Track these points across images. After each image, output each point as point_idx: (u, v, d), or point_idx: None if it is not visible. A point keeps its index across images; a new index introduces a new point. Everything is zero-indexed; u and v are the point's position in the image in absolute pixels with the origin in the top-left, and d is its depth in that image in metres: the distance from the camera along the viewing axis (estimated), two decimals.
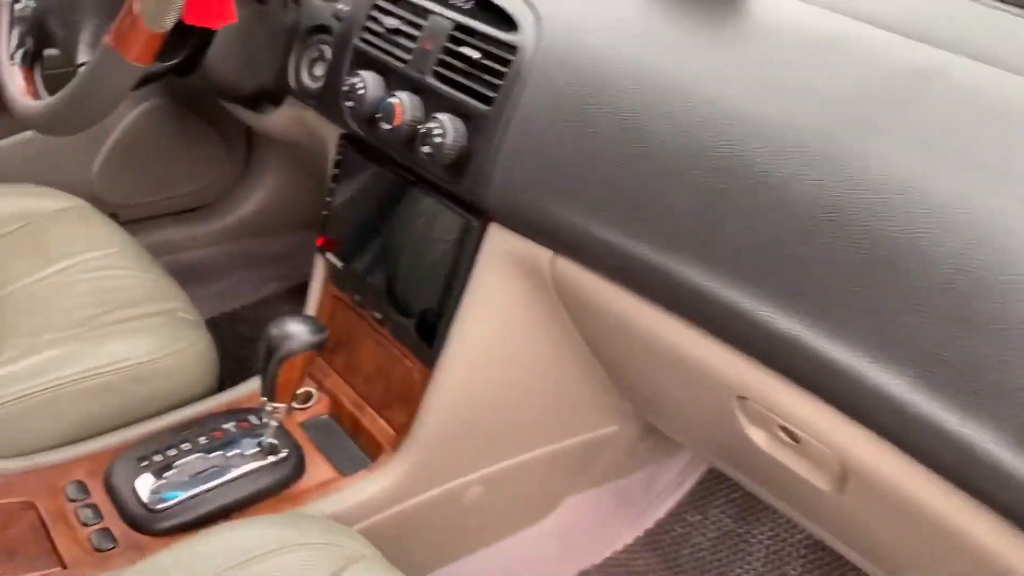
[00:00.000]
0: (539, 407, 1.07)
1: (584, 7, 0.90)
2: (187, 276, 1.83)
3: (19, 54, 1.18)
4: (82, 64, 1.05)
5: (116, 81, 0.96)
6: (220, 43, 1.12)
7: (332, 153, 1.14)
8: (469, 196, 0.93)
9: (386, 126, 0.97)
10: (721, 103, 0.74)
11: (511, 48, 0.90)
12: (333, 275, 1.15)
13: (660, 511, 1.38)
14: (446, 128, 0.92)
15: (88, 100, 0.98)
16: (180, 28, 0.96)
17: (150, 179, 1.73)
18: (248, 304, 1.87)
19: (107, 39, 0.93)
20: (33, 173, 1.55)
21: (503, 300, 0.95)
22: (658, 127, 0.77)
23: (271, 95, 1.22)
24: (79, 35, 1.06)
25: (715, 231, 0.73)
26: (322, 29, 1.13)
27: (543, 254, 0.89)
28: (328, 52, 1.13)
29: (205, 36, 1.12)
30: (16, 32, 1.19)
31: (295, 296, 1.92)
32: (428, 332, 1.01)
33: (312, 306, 1.19)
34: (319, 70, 1.15)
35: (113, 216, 1.74)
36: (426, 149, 0.93)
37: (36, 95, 1.13)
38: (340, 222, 1.12)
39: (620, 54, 0.83)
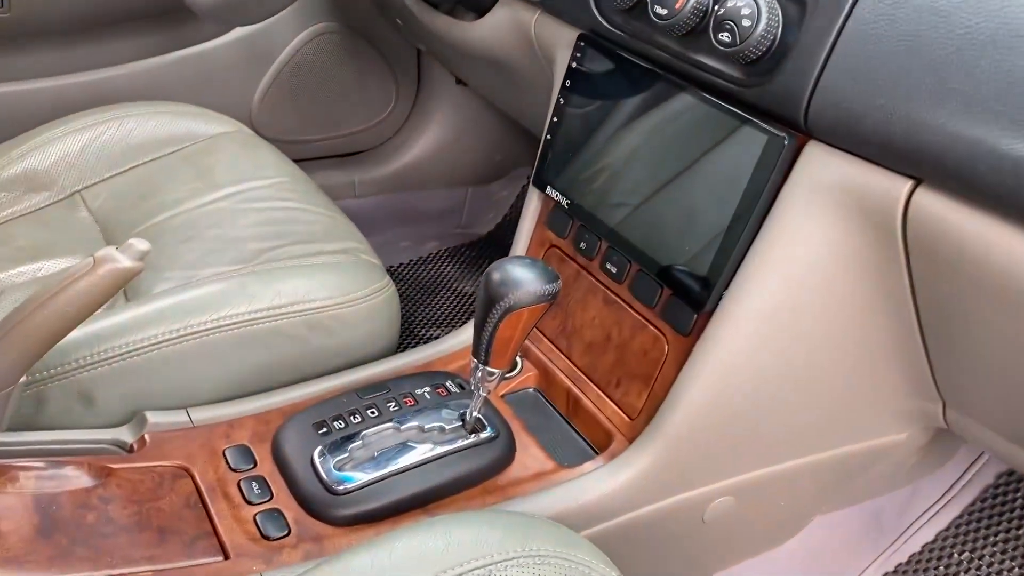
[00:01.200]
0: (825, 401, 0.81)
1: None
2: None
3: None
4: None
5: None
6: None
7: (561, 64, 0.91)
8: (780, 105, 0.68)
9: (661, 11, 0.73)
10: None
11: None
12: (550, 217, 0.92)
13: (916, 543, 1.09)
14: (758, 6, 0.67)
15: None
16: None
17: (312, 115, 1.56)
18: (405, 263, 1.67)
19: None
20: (189, 95, 1.39)
21: (814, 250, 0.70)
22: None
23: None
24: None
25: None
26: None
27: (896, 185, 0.63)
28: None
29: None
30: None
31: (456, 258, 1.71)
32: (692, 291, 0.76)
33: (519, 254, 0.96)
34: None
35: None
36: (724, 37, 0.69)
37: None
38: (567, 147, 0.89)
39: None
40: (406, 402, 0.82)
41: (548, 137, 0.91)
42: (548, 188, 0.91)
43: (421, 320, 1.51)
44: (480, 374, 0.75)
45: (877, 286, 0.71)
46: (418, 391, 0.83)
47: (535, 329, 0.88)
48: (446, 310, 1.55)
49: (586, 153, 0.87)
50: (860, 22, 0.62)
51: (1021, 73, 0.54)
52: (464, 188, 1.77)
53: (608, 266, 0.85)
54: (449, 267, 1.67)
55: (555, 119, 0.90)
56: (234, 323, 0.84)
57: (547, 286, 0.70)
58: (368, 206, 1.68)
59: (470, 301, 1.57)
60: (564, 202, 0.89)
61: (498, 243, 1.76)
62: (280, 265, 0.92)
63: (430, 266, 1.67)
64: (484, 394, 0.77)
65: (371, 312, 0.91)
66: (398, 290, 1.59)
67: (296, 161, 1.60)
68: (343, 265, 0.94)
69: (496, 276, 0.70)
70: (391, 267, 1.64)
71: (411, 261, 1.67)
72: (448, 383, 0.85)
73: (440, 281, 1.63)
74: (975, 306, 0.65)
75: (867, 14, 0.62)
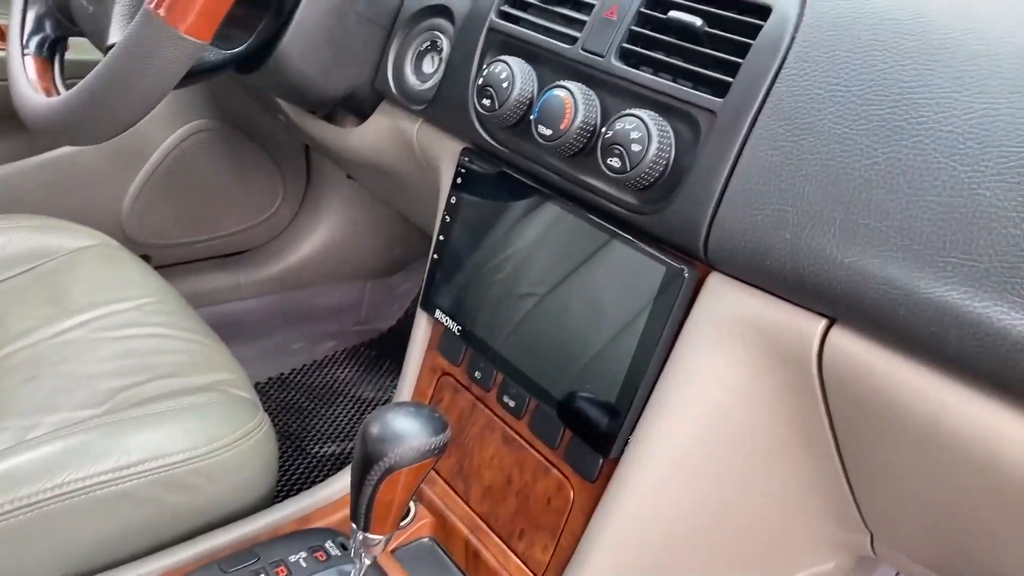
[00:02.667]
0: (746, 543, 0.74)
1: None
2: (226, 332, 1.52)
3: (34, 42, 0.90)
4: (112, 46, 0.76)
5: (160, 62, 0.67)
6: (298, 28, 0.83)
7: (446, 176, 0.84)
8: (676, 235, 0.62)
9: (546, 131, 0.67)
10: None
11: (759, 10, 0.59)
12: (441, 342, 0.84)
13: None
14: (648, 130, 0.61)
15: (121, 90, 0.69)
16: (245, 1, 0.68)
17: (191, 216, 1.44)
18: (298, 368, 1.55)
19: (150, 3, 0.65)
20: (49, 204, 1.26)
21: (723, 389, 0.63)
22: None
23: (359, 102, 0.93)
24: (111, 7, 0.78)
25: None
26: (437, 11, 0.84)
27: (808, 324, 0.57)
28: (443, 42, 0.83)
29: (280, 16, 0.83)
30: (32, 15, 0.91)
31: (355, 359, 1.61)
32: (596, 430, 0.69)
33: (407, 385, 0.87)
34: (429, 66, 0.85)
35: (144, 259, 1.46)
36: (613, 162, 0.63)
37: (51, 92, 0.84)
38: (456, 269, 0.81)
39: (929, 8, 0.53)
40: (278, 573, 0.71)
41: (435, 256, 0.83)
42: (437, 312, 0.83)
43: (315, 435, 1.39)
44: (361, 539, 0.65)
45: (795, 425, 0.65)
46: (292, 558, 0.73)
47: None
48: (343, 421, 1.44)
49: (476, 276, 0.79)
50: (759, 149, 0.57)
51: (932, 209, 0.49)
52: (362, 282, 1.67)
53: (506, 399, 0.77)
54: (347, 370, 1.57)
55: (441, 237, 0.83)
56: (74, 490, 0.72)
57: (433, 439, 0.61)
58: (256, 308, 1.57)
59: (371, 409, 1.47)
60: (455, 328, 0.81)
61: (401, 339, 1.66)
62: (133, 413, 0.80)
63: (326, 370, 1.56)
64: (368, 562, 0.67)
65: (240, 460, 0.80)
66: (292, 400, 1.48)
67: (175, 265, 1.50)
68: (208, 406, 0.83)
69: (374, 430, 0.61)
70: (282, 374, 1.53)
71: (304, 366, 1.56)
72: (328, 544, 0.75)
73: (337, 387, 1.52)
74: (896, 449, 0.60)
75: (767, 141, 0.57)
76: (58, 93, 0.84)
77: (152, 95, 0.70)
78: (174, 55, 0.66)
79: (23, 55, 0.88)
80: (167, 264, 1.47)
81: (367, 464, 0.61)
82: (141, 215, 1.38)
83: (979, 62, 0.50)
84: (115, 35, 0.76)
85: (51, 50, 0.90)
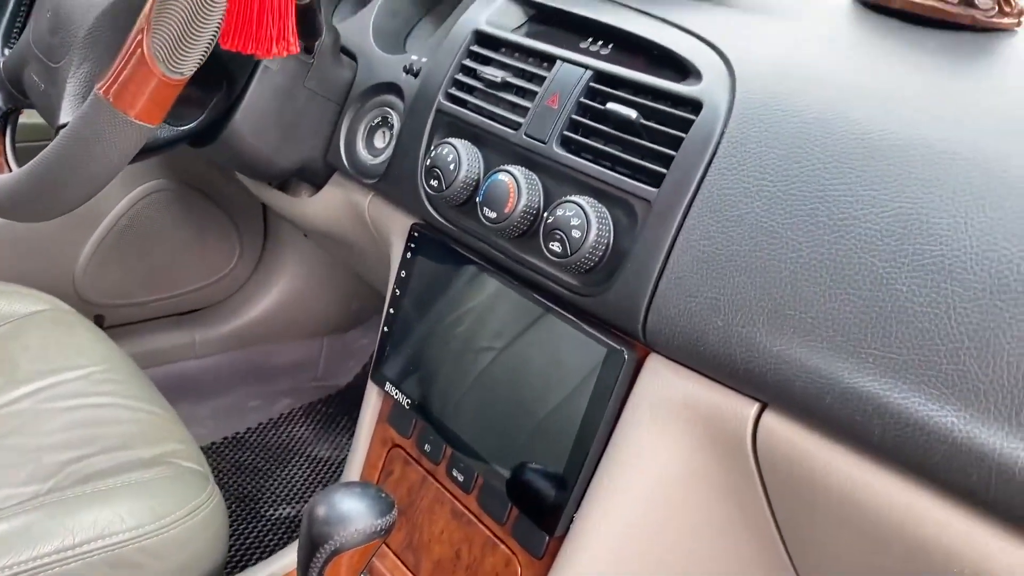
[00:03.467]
0: None
1: (779, 48, 0.63)
2: (181, 391, 1.52)
3: None
4: (63, 126, 0.77)
5: (110, 147, 0.67)
6: (251, 104, 0.84)
7: (396, 250, 0.85)
8: (616, 317, 0.64)
9: (490, 213, 0.69)
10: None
11: (692, 105, 0.62)
12: (391, 414, 0.85)
13: None
14: (587, 216, 0.63)
15: (69, 173, 0.69)
16: (200, 78, 0.69)
17: (146, 276, 1.44)
18: (253, 427, 1.54)
19: (100, 88, 0.65)
20: (1, 265, 1.25)
21: (664, 468, 0.64)
22: (932, 197, 0.49)
23: (312, 173, 0.94)
24: (64, 87, 0.78)
25: None
26: (387, 88, 0.86)
27: (742, 407, 0.59)
28: (394, 118, 0.85)
29: (229, 93, 0.84)
30: None
31: (312, 416, 1.60)
32: (541, 508, 0.70)
33: (358, 457, 0.87)
34: (380, 141, 0.87)
35: (98, 319, 1.44)
36: (555, 247, 0.64)
37: (2, 167, 0.84)
38: (406, 342, 0.82)
39: (850, 108, 0.56)
40: None
41: (385, 329, 0.84)
42: (387, 384, 0.83)
43: (269, 497, 1.38)
44: None
45: (736, 505, 0.66)
46: None
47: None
48: (298, 482, 1.42)
49: (426, 350, 0.80)
50: (692, 238, 0.59)
51: (853, 302, 0.52)
52: (319, 338, 1.67)
53: (455, 473, 0.78)
54: (304, 428, 1.56)
55: (391, 310, 0.84)
56: (16, 574, 0.71)
57: (379, 521, 0.61)
58: (211, 366, 1.56)
59: (327, 469, 1.46)
60: (405, 401, 0.82)
61: (358, 395, 1.65)
62: (79, 491, 0.79)
63: (282, 429, 1.55)
64: None
65: (189, 535, 0.80)
66: (245, 461, 1.47)
67: (129, 324, 1.48)
68: (156, 482, 0.83)
69: (320, 512, 0.61)
70: (237, 433, 1.51)
71: (260, 425, 1.55)
72: None
73: (293, 446, 1.51)
74: (831, 529, 0.61)
75: (699, 231, 0.59)
76: (8, 167, 0.85)
77: (101, 178, 0.70)
78: (123, 139, 0.67)
79: None
80: (121, 324, 1.46)
81: (313, 546, 0.61)
82: (95, 275, 1.38)
83: (894, 162, 0.53)
84: (66, 115, 0.77)
85: (2, 122, 0.91)
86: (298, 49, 0.53)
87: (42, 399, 0.95)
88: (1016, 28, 0.64)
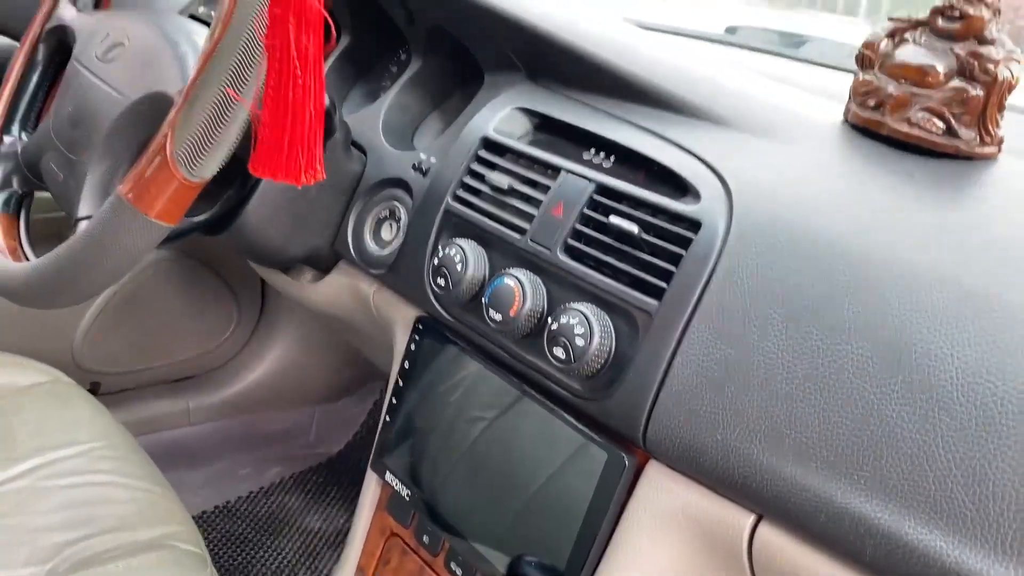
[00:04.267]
0: None
1: (774, 171, 0.67)
2: (174, 458, 1.52)
3: (1, 198, 0.93)
4: (83, 219, 0.79)
5: (129, 245, 0.70)
6: (262, 197, 0.87)
7: (400, 340, 0.87)
8: (618, 423, 0.66)
9: (496, 315, 0.71)
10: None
11: (691, 223, 0.65)
12: (390, 503, 0.86)
13: None
14: (590, 325, 0.66)
15: (88, 268, 0.72)
16: (217, 175, 0.72)
17: (143, 343, 1.45)
18: (244, 495, 1.54)
19: (122, 188, 0.68)
20: (1, 333, 1.26)
21: (663, 573, 0.66)
22: (919, 323, 0.52)
23: (319, 260, 0.97)
24: (83, 179, 0.81)
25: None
26: (395, 183, 0.89)
27: (739, 518, 0.61)
28: (401, 211, 0.88)
29: (242, 186, 0.87)
30: (0, 171, 0.94)
31: (303, 485, 1.60)
32: None
33: (356, 545, 0.88)
34: (387, 233, 0.90)
35: (94, 386, 1.45)
36: (558, 352, 0.67)
37: (17, 253, 0.86)
38: (408, 433, 0.84)
39: (850, 232, 0.59)
40: None
41: (387, 419, 0.86)
42: (387, 474, 0.85)
43: (260, 569, 1.38)
44: None
45: None
46: None
47: None
48: (288, 554, 1.42)
49: (427, 442, 0.82)
50: (692, 352, 0.62)
51: (846, 425, 0.54)
52: (311, 407, 1.68)
53: (453, 566, 0.79)
54: (295, 498, 1.56)
55: (394, 400, 0.86)
56: None
57: None
58: (204, 433, 1.57)
59: (317, 541, 1.46)
60: (404, 491, 0.83)
61: (349, 464, 1.66)
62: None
63: (273, 498, 1.56)
64: None
65: None
66: (237, 531, 1.47)
67: (124, 391, 1.49)
68: (154, 568, 0.83)
69: None
70: (228, 502, 1.51)
71: (251, 493, 1.55)
72: None
73: (284, 516, 1.51)
74: None
75: (698, 346, 0.61)
76: (23, 253, 0.87)
77: (118, 274, 0.73)
78: (142, 238, 0.70)
79: None
80: (117, 391, 1.47)
81: None
82: (94, 344, 1.39)
83: (884, 289, 0.56)
84: (85, 208, 0.79)
85: (17, 206, 0.93)
86: (324, 176, 0.56)
87: (40, 476, 0.96)
88: (997, 156, 0.68)
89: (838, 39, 1.10)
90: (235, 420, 1.60)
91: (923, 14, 0.69)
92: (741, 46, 1.13)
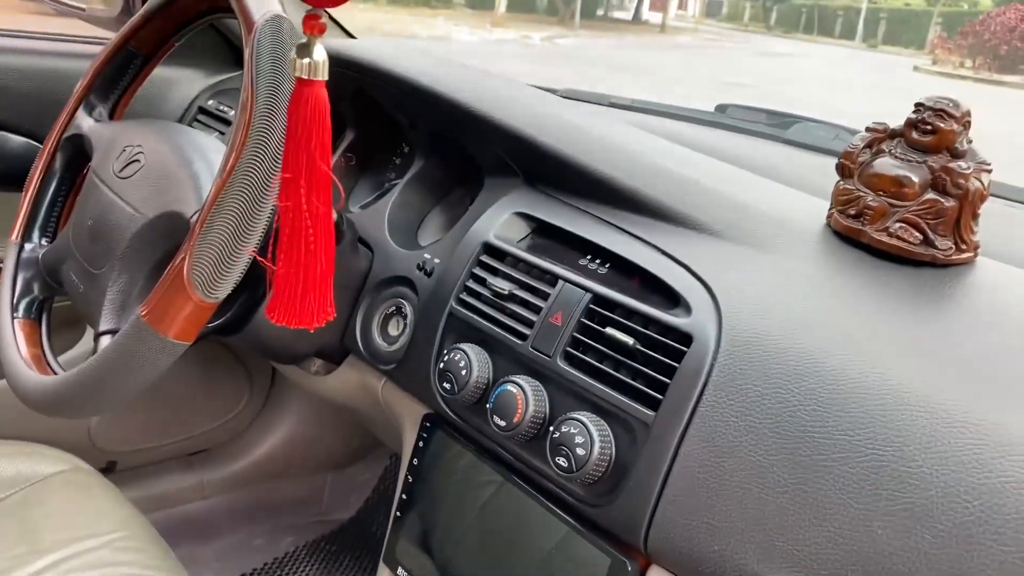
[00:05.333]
0: None
1: (760, 283, 0.70)
2: (189, 532, 1.55)
3: (23, 304, 0.97)
4: (104, 332, 0.83)
5: (149, 363, 0.74)
6: None
7: (410, 435, 0.90)
8: (620, 529, 0.69)
9: (500, 422, 0.74)
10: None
11: (684, 335, 0.68)
12: None
13: None
14: (591, 434, 0.69)
15: (111, 385, 0.75)
16: None
17: (157, 420, 1.49)
18: (259, 567, 1.56)
19: (142, 311, 0.72)
20: (16, 418, 1.30)
21: None
22: (916, 452, 0.55)
23: (329, 354, 1.00)
24: (102, 293, 0.85)
25: None
26: (401, 281, 0.93)
27: None
28: (408, 308, 0.92)
29: (257, 290, 0.91)
30: (22, 278, 0.98)
31: (317, 554, 1.62)
32: None
33: None
34: (395, 329, 0.94)
35: (110, 464, 1.48)
36: (561, 461, 0.70)
37: (40, 362, 0.90)
38: (417, 528, 0.87)
39: (833, 347, 0.62)
40: None
41: (397, 514, 0.89)
42: (399, 569, 0.88)
43: None
44: None
45: None
46: None
47: None
48: None
49: (436, 539, 0.85)
50: (688, 464, 0.65)
51: (834, 540, 0.57)
52: (323, 475, 1.71)
53: None
54: (309, 567, 1.58)
55: (404, 496, 0.89)
56: None
57: None
58: (218, 506, 1.59)
59: None
60: None
61: (361, 530, 1.68)
62: None
63: (287, 568, 1.58)
64: None
65: None
66: None
67: (139, 467, 1.52)
68: None
69: None
70: (243, 574, 1.53)
71: (265, 565, 1.57)
72: None
73: None
74: None
75: (694, 458, 0.64)
76: (46, 360, 0.90)
77: (137, 389, 0.76)
78: (162, 357, 0.73)
79: (12, 318, 0.94)
80: (132, 467, 1.50)
81: None
82: (109, 424, 1.42)
83: (868, 408, 0.59)
84: (107, 322, 0.83)
85: (39, 311, 0.97)
86: (334, 315, 0.60)
87: (65, 570, 0.99)
88: (974, 260, 0.71)
89: (825, 120, 1.15)
90: (247, 491, 1.62)
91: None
92: (730, 128, 1.17)
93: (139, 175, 0.87)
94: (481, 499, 0.81)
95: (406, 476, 0.89)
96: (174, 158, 0.85)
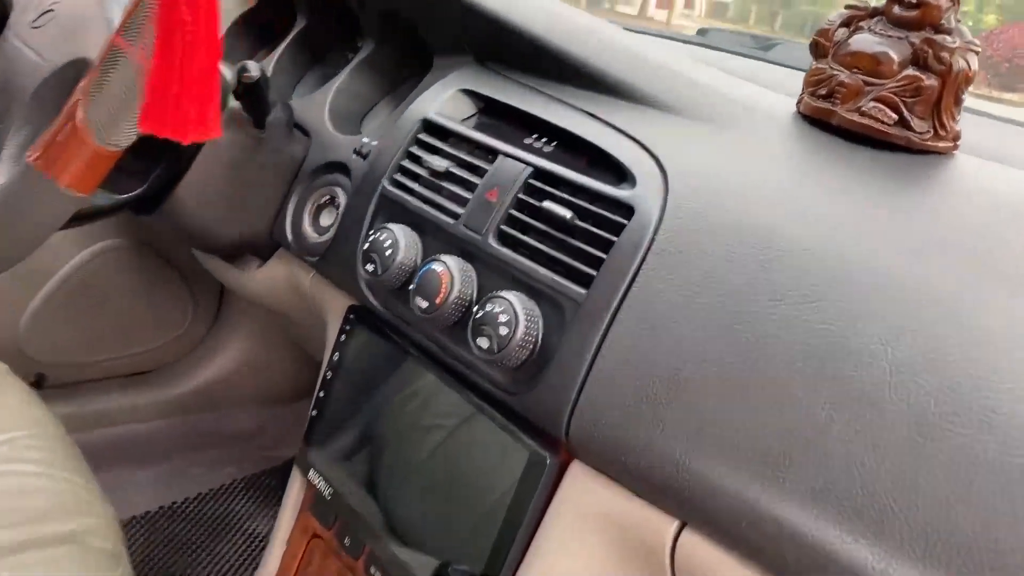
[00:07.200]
0: None
1: (715, 158, 0.63)
2: (122, 455, 1.47)
3: None
4: None
5: (38, 214, 0.66)
6: (196, 175, 0.83)
7: (332, 331, 0.83)
8: (541, 418, 0.62)
9: (422, 303, 0.67)
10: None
11: (625, 209, 0.61)
12: (314, 503, 0.81)
13: None
14: (516, 313, 0.62)
15: None
16: (143, 147, 0.68)
17: (93, 335, 1.40)
18: (192, 497, 1.49)
19: (32, 154, 0.64)
20: None
21: None
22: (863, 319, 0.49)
23: (258, 247, 0.93)
24: (1, 148, 0.77)
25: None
26: (337, 167, 0.86)
27: (662, 524, 0.57)
28: (341, 197, 0.84)
29: (175, 162, 0.83)
30: None
31: (254, 488, 1.55)
32: None
33: (277, 547, 0.84)
34: (327, 219, 0.86)
35: (39, 378, 1.40)
36: (482, 342, 0.63)
37: None
38: (334, 430, 0.80)
39: (787, 222, 0.55)
40: None
41: (314, 413, 0.82)
42: (311, 472, 0.81)
43: (199, 575, 1.32)
44: None
45: None
46: None
47: None
48: (232, 557, 1.37)
49: (353, 439, 0.78)
50: (618, 344, 0.58)
51: (773, 427, 0.50)
52: (270, 408, 1.63)
53: (373, 570, 0.74)
54: (243, 502, 1.51)
55: (322, 394, 0.81)
56: None
57: None
58: (155, 431, 1.52)
59: (261, 546, 1.41)
60: (327, 491, 0.79)
61: None
62: None
63: (221, 500, 1.50)
64: None
65: None
66: (177, 532, 1.41)
67: (72, 384, 1.44)
68: (58, 561, 0.79)
69: None
70: (175, 503, 1.46)
71: (200, 495, 1.50)
72: None
73: (230, 519, 1.45)
74: None
75: (625, 338, 0.58)
76: None
77: (30, 243, 0.69)
78: (53, 207, 0.66)
79: None
80: (64, 384, 1.42)
81: None
82: (40, 333, 1.34)
83: (819, 282, 0.52)
84: (1, 176, 0.75)
85: None
86: (220, 134, 0.52)
87: None
88: (953, 152, 0.65)
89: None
90: (188, 418, 1.55)
91: None
92: (711, 47, 1.10)
93: (51, 24, 0.80)
94: (401, 393, 0.74)
95: (325, 373, 0.81)
96: (88, 3, 0.78)
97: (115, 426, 1.47)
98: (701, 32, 1.19)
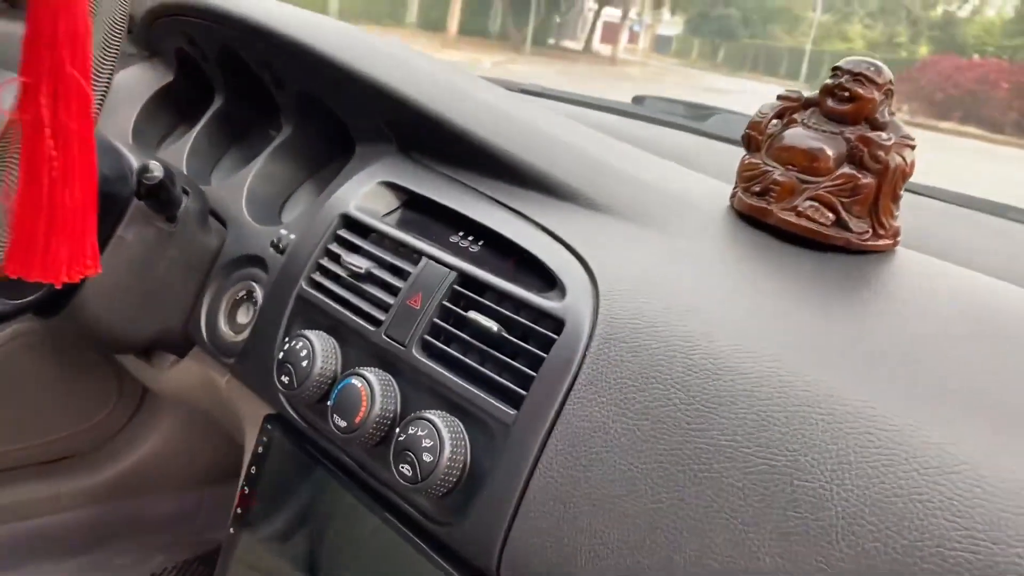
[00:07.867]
0: None
1: (647, 263, 0.60)
2: (42, 549, 1.38)
3: None
4: None
5: None
6: (100, 278, 0.77)
7: (250, 440, 0.77)
8: (470, 552, 0.57)
9: (340, 422, 0.62)
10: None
11: (555, 322, 0.57)
12: None
13: None
14: (440, 438, 0.57)
15: None
16: None
17: (7, 422, 1.32)
18: None
19: None
20: None
21: None
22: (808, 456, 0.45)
23: (171, 345, 0.87)
24: None
25: None
26: (254, 261, 0.80)
27: None
28: (259, 292, 0.79)
29: None
30: None
31: (188, 575, 1.47)
32: None
33: None
34: (243, 316, 0.81)
35: None
36: (405, 469, 0.58)
37: None
38: (251, 550, 0.74)
39: (714, 343, 0.52)
40: None
41: (231, 531, 0.76)
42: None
43: None
44: None
45: None
46: None
47: None
48: None
49: (269, 561, 0.72)
50: (549, 473, 0.53)
51: (713, 569, 0.46)
52: (199, 490, 1.55)
53: None
54: None
55: (239, 510, 0.75)
56: None
57: None
58: (78, 521, 1.42)
59: None
60: None
61: None
62: None
63: None
64: None
65: None
66: None
67: None
68: None
69: None
70: None
71: None
72: None
73: None
74: None
75: (557, 466, 0.53)
76: None
77: None
78: None
79: None
80: None
81: None
82: None
83: (759, 406, 0.48)
84: None
85: None
86: (99, 270, 0.47)
87: None
88: (893, 248, 0.62)
89: (746, 112, 1.06)
90: (111, 506, 1.46)
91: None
92: (646, 118, 1.08)
93: None
94: (320, 516, 0.69)
95: (242, 487, 0.75)
96: None
97: (32, 519, 1.38)
98: (637, 100, 1.17)
